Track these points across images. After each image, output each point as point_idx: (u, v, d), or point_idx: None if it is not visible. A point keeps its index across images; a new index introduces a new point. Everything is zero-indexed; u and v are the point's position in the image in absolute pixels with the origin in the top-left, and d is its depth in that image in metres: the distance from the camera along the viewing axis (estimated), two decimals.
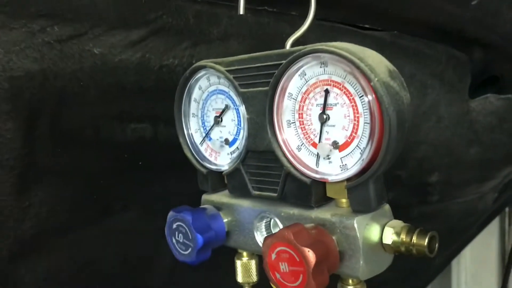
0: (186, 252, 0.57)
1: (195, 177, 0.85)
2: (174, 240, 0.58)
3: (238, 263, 0.63)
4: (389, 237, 0.49)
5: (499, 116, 1.03)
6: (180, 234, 0.57)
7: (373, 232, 0.49)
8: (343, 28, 0.84)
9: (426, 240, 0.47)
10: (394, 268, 0.53)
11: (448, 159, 1.04)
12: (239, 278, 0.63)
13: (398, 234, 0.49)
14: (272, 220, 0.57)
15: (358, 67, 0.45)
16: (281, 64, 0.51)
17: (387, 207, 0.51)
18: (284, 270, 0.46)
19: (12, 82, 0.63)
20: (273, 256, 0.47)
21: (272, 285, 0.56)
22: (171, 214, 0.58)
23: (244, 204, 0.59)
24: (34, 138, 0.68)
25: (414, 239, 0.48)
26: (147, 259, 0.96)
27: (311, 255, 0.44)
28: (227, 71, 0.57)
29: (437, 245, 0.49)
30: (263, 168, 0.56)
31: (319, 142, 0.50)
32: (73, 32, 0.63)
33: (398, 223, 0.50)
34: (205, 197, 0.64)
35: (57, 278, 0.86)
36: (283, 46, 0.55)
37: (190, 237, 0.56)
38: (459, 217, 1.36)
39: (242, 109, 0.56)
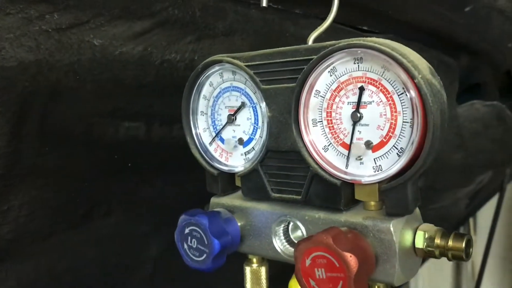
0: (201, 259, 0.53)
1: (184, 182, 0.80)
2: (186, 246, 0.54)
3: (248, 270, 0.59)
4: (422, 241, 0.48)
5: (484, 122, 1.04)
6: (193, 239, 0.53)
7: (407, 236, 0.47)
8: (343, 29, 0.82)
9: (464, 243, 0.46)
10: None
11: (435, 164, 1.04)
12: (248, 286, 0.60)
13: (431, 238, 0.47)
14: (291, 224, 0.54)
15: (400, 64, 0.43)
16: (310, 59, 0.49)
17: (417, 210, 0.50)
18: (320, 276, 0.44)
19: (3, 73, 0.57)
20: (308, 262, 0.44)
21: None
22: (183, 218, 0.54)
23: (261, 207, 0.55)
24: (21, 135, 0.63)
25: (450, 242, 0.46)
26: (128, 266, 0.92)
27: (353, 261, 0.42)
28: (247, 66, 0.54)
29: (471, 249, 0.47)
30: (286, 169, 0.53)
31: (351, 142, 0.48)
32: (74, 20, 0.58)
33: (430, 226, 0.49)
34: (214, 200, 0.60)
35: (33, 285, 0.81)
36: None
37: (206, 242, 0.52)
38: (435, 223, 1.37)
39: (263, 106, 0.53)
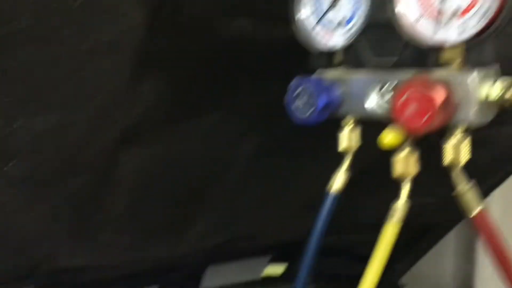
0: (308, 113, 0.66)
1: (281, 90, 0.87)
2: (296, 104, 0.67)
3: (345, 130, 0.71)
4: (497, 92, 0.58)
5: None
6: (304, 96, 0.66)
7: (484, 87, 0.58)
8: None
9: None
10: None
11: None
12: (344, 144, 0.72)
13: (506, 89, 0.57)
14: (385, 87, 0.66)
15: None
16: None
17: (495, 67, 0.59)
18: (412, 110, 0.55)
19: None
20: (403, 99, 0.56)
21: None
22: (294, 82, 0.67)
23: (359, 74, 0.67)
24: (157, 26, 0.73)
25: None
26: (224, 162, 1.01)
27: (439, 93, 0.53)
28: None
29: None
30: (382, 40, 0.64)
31: (440, 11, 0.58)
32: None
33: (506, 81, 0.58)
34: (317, 73, 0.72)
35: (149, 171, 0.93)
36: None
37: (314, 99, 0.65)
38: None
39: None
